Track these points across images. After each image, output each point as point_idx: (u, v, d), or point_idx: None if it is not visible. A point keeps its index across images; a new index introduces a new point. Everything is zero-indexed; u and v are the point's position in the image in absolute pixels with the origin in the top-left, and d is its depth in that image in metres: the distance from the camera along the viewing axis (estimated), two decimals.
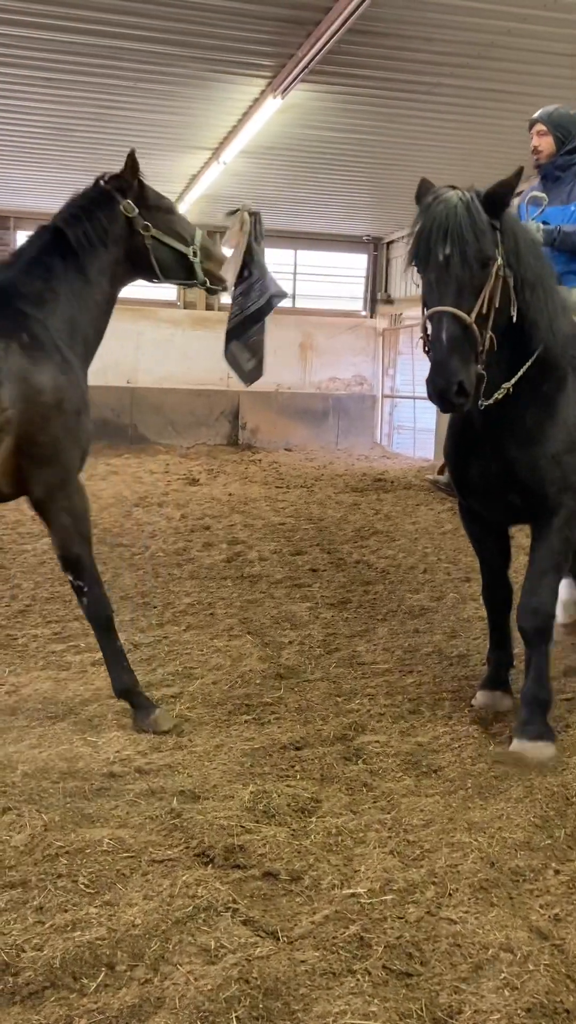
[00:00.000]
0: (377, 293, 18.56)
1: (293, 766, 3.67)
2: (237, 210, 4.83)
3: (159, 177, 13.24)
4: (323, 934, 2.58)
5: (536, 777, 3.58)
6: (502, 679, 4.41)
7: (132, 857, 2.92)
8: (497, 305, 3.52)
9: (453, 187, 3.55)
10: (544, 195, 4.58)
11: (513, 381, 3.74)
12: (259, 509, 10.21)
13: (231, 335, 5.16)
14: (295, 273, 18.11)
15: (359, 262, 18.69)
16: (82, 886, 2.76)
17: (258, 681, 4.67)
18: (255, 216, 4.76)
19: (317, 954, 2.50)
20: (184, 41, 7.99)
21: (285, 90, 8.77)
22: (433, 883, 2.85)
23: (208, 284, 4.37)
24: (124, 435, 16.13)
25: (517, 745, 3.82)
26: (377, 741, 3.92)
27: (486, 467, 3.96)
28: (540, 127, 4.66)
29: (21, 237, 16.96)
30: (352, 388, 18.15)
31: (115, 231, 4.10)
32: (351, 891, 2.78)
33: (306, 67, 8.14)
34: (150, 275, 4.26)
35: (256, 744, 3.86)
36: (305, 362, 17.76)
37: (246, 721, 4.13)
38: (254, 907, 2.69)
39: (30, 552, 7.63)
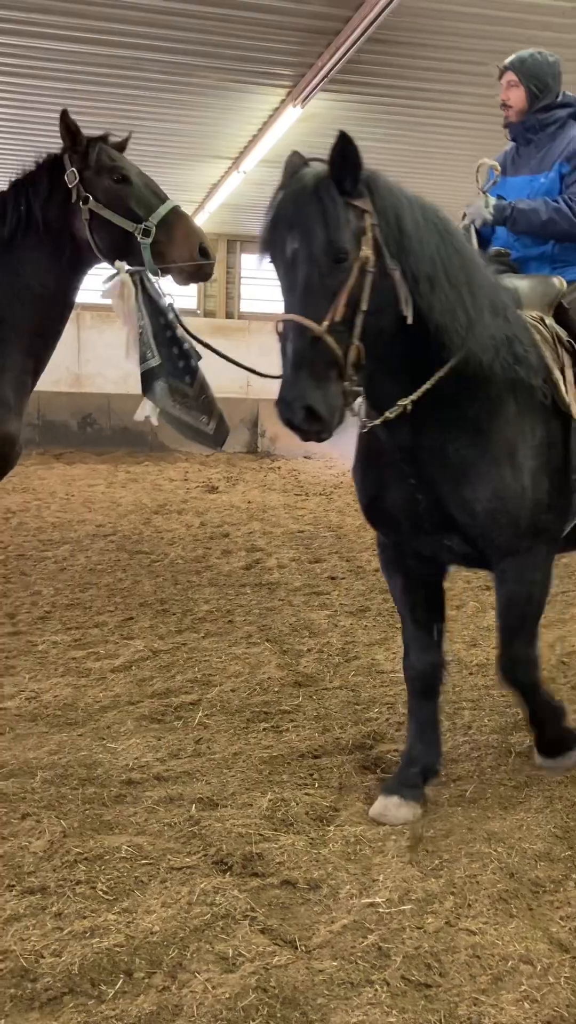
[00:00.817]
0: None
1: (311, 774, 3.66)
2: (114, 275, 3.64)
3: (179, 186, 13.38)
4: (341, 943, 2.57)
5: (556, 787, 3.56)
6: (409, 781, 3.40)
7: (150, 864, 2.92)
8: (366, 308, 2.77)
9: (321, 160, 2.88)
10: (496, 163, 3.75)
11: (414, 397, 2.99)
12: (278, 517, 10.21)
13: (180, 423, 3.83)
14: None
15: None
16: (100, 892, 2.77)
17: (276, 689, 4.67)
18: (138, 277, 3.61)
19: (335, 963, 2.49)
20: (205, 52, 8.05)
21: (305, 99, 8.81)
22: (452, 893, 2.83)
23: (160, 272, 3.64)
24: (144, 442, 16.18)
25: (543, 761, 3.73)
26: (396, 750, 3.90)
27: (409, 499, 3.23)
28: (510, 76, 3.75)
29: None
30: None
31: (52, 209, 3.60)
32: (369, 900, 2.77)
33: (326, 76, 8.18)
34: (98, 257, 3.67)
35: (274, 752, 3.85)
36: None
37: (264, 729, 4.13)
38: (272, 915, 2.68)
39: (51, 559, 7.67)
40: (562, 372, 3.23)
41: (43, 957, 2.46)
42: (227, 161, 11.68)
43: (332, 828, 3.22)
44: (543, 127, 3.76)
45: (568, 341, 3.33)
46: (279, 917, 2.68)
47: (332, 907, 2.75)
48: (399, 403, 3.00)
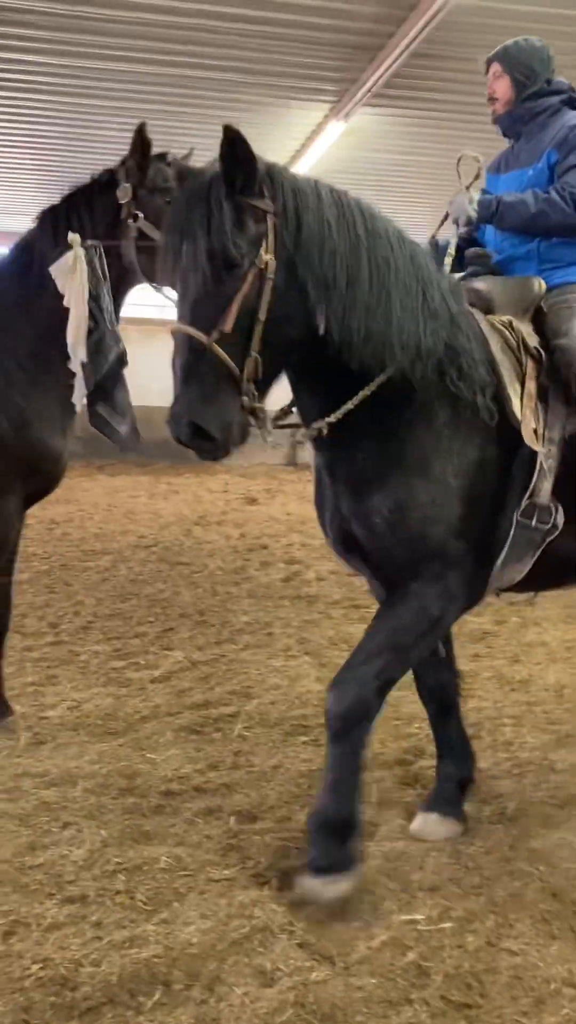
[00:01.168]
0: None
1: None
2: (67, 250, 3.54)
3: None
4: (380, 960, 2.55)
5: None
6: (447, 797, 3.32)
7: (189, 876, 2.92)
8: (265, 317, 2.54)
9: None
10: (477, 155, 3.38)
11: (331, 419, 2.73)
12: (317, 529, 10.09)
13: (94, 398, 3.83)
14: None
15: None
16: (140, 903, 2.77)
17: (315, 702, 4.65)
18: (93, 249, 3.50)
19: (374, 981, 2.47)
20: (249, 69, 8.13)
21: (348, 114, 8.85)
22: (493, 912, 2.79)
23: None
24: (185, 455, 16.18)
25: (300, 884, 2.81)
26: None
27: (335, 516, 2.99)
28: (495, 67, 3.47)
29: None
30: None
31: (101, 226, 3.58)
32: (409, 917, 2.74)
33: (369, 91, 8.21)
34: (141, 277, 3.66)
35: (313, 766, 3.83)
36: None
37: (304, 742, 4.12)
38: (310, 930, 2.66)
39: (93, 569, 7.75)
40: (522, 382, 2.88)
41: (82, 966, 2.47)
42: None
43: (371, 843, 3.19)
44: (533, 116, 3.41)
45: (535, 348, 2.98)
46: (317, 932, 2.66)
47: (371, 923, 2.72)
48: (314, 425, 2.76)
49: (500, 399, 2.82)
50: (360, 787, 2.87)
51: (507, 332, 2.96)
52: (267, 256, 2.54)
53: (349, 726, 2.78)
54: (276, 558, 8.43)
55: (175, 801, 3.48)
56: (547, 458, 2.85)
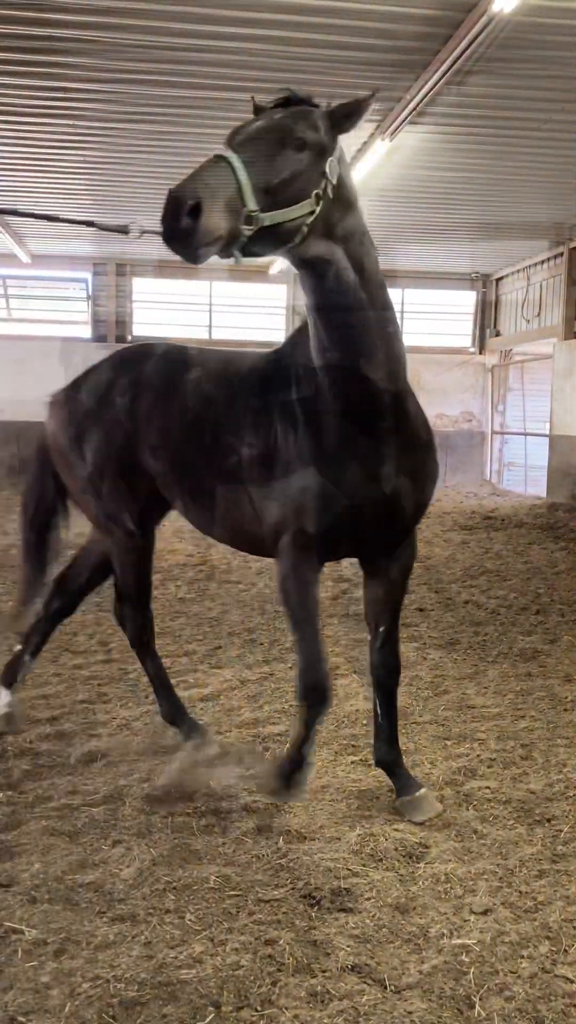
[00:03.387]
0: (486, 329, 18.40)
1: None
2: None
3: None
4: (432, 985, 2.51)
5: None
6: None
7: (239, 895, 2.92)
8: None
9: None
10: None
11: None
12: None
13: None
14: (402, 311, 18.14)
15: (467, 299, 18.60)
16: (189, 922, 2.77)
17: (364, 722, 4.62)
18: None
19: (425, 1005, 2.43)
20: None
21: (393, 132, 8.87)
22: (547, 938, 2.74)
23: None
24: None
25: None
26: (488, 787, 3.82)
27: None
28: None
29: (137, 284, 17.53)
30: (460, 425, 17.99)
31: None
32: (461, 942, 2.70)
33: (414, 109, 8.23)
34: None
35: (363, 786, 3.81)
36: None
37: (353, 762, 4.09)
38: (361, 953, 2.64)
39: None
40: None
41: (133, 986, 2.47)
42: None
43: (422, 865, 3.16)
44: None
45: None
46: (368, 955, 2.64)
47: (422, 946, 2.69)
48: None
49: None
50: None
51: None
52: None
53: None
54: (324, 576, 8.33)
55: (224, 820, 3.47)
56: None
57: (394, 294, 17.73)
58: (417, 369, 18.44)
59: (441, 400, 17.82)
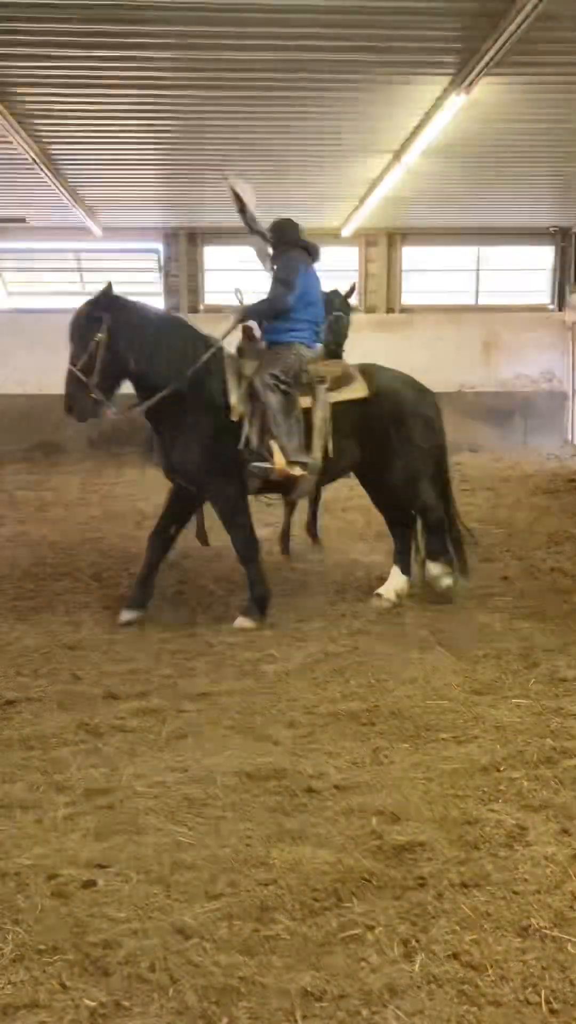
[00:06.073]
0: (566, 285, 17.81)
1: (497, 787, 3.54)
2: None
3: (340, 183, 13.33)
4: (534, 975, 2.46)
5: None
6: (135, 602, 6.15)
7: (339, 881, 2.88)
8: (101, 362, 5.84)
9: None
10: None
11: (144, 407, 5.93)
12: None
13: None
14: (478, 270, 17.69)
15: (545, 254, 18.00)
16: (288, 905, 2.76)
17: (452, 696, 4.55)
18: None
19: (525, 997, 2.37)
20: (366, 47, 7.94)
21: (469, 86, 8.54)
22: None
23: None
24: None
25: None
26: None
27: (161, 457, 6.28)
28: None
29: (208, 252, 17.44)
30: (540, 385, 17.48)
31: None
32: (569, 937, 2.63)
33: (492, 60, 7.90)
34: None
35: (455, 764, 3.75)
36: (489, 360, 17.30)
37: (443, 739, 4.03)
38: (464, 940, 2.59)
39: (224, 559, 7.82)
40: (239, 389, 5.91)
41: (241, 972, 2.47)
42: (388, 154, 11.52)
43: (520, 847, 3.09)
44: None
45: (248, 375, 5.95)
46: (470, 940, 2.59)
47: (525, 936, 2.63)
48: (137, 408, 6.03)
49: (227, 396, 5.85)
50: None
51: (238, 365, 6.00)
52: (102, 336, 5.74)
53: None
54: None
55: (316, 800, 3.46)
56: (251, 424, 5.82)
57: (468, 252, 17.39)
58: (495, 329, 18.02)
59: (520, 360, 17.36)
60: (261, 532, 6.46)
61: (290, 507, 7.86)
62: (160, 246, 17.03)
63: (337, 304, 8.54)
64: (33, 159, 11.00)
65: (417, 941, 2.59)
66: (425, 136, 10.24)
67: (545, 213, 16.06)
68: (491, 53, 7.75)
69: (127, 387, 6.01)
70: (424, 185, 13.08)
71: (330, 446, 5.99)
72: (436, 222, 16.48)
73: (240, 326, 6.16)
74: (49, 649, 5.39)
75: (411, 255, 17.50)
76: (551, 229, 17.44)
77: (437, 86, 9.02)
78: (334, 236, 16.57)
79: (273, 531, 7.97)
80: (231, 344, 6.24)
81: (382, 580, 6.60)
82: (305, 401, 5.97)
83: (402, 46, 7.95)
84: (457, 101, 8.94)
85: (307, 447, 5.90)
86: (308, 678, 4.87)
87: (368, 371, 6.36)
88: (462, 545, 6.54)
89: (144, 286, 17.34)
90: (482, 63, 8.00)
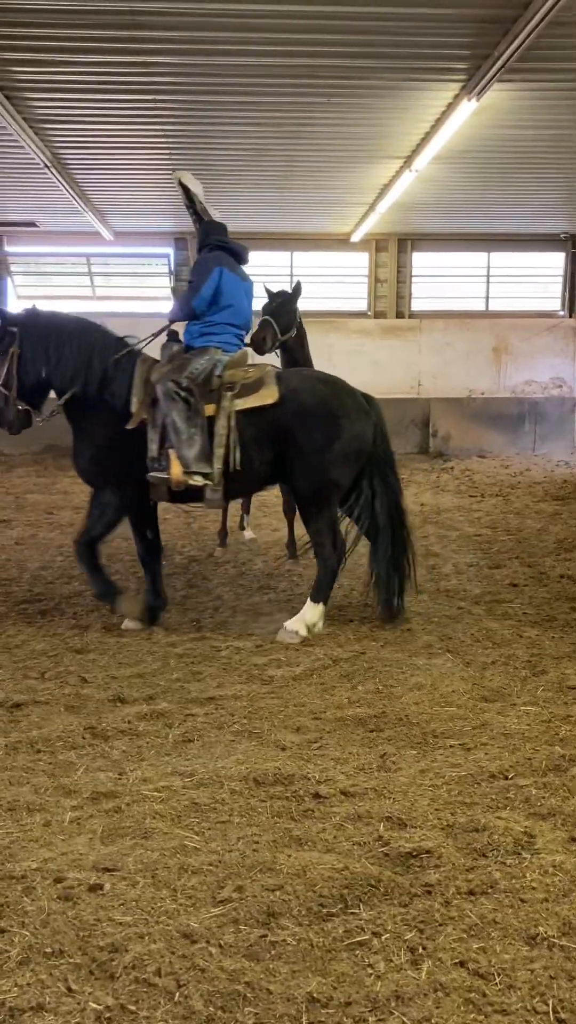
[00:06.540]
0: None
1: (504, 795, 3.52)
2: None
3: (350, 189, 13.32)
4: (542, 985, 2.44)
5: None
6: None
7: (346, 887, 2.87)
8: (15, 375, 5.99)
9: None
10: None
11: (54, 408, 6.12)
12: (453, 519, 10.00)
13: None
14: (488, 276, 17.68)
15: (555, 261, 18.00)
16: (295, 912, 2.75)
17: (460, 703, 4.54)
18: None
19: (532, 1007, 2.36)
20: (378, 53, 7.96)
21: (480, 92, 8.56)
22: None
23: None
24: None
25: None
26: None
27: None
28: None
29: None
30: (550, 391, 17.46)
31: None
32: (570, 944, 2.61)
33: (503, 66, 7.91)
34: None
35: (463, 771, 3.74)
36: (499, 366, 17.28)
37: (451, 746, 4.02)
38: (470, 948, 2.58)
39: (230, 564, 7.83)
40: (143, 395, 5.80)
41: (245, 976, 2.46)
42: (399, 160, 11.54)
43: (528, 855, 3.07)
44: None
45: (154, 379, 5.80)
46: (478, 949, 2.58)
47: (532, 944, 2.62)
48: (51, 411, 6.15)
49: (128, 402, 5.77)
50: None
51: (148, 370, 5.84)
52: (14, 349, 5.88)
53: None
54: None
55: (323, 806, 3.45)
56: (153, 432, 5.73)
57: (478, 258, 17.36)
58: (504, 335, 18.02)
59: (530, 366, 17.34)
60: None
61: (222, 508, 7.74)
62: (171, 250, 17.07)
63: (277, 304, 8.10)
64: (45, 164, 11.05)
65: (424, 948, 2.58)
66: (435, 142, 10.26)
67: (556, 219, 16.06)
68: (502, 60, 7.77)
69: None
70: (434, 191, 13.11)
71: (237, 456, 5.67)
72: (446, 228, 16.51)
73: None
74: (57, 652, 5.40)
75: (421, 261, 17.51)
76: (562, 235, 17.45)
77: (448, 92, 9.04)
78: (344, 241, 16.58)
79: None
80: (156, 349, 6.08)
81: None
82: (210, 409, 5.69)
83: (413, 52, 7.96)
84: (468, 107, 8.95)
85: (210, 457, 5.66)
86: (315, 683, 4.87)
87: (285, 375, 6.04)
88: (414, 563, 6.11)
89: (154, 290, 17.37)
90: (493, 69, 8.02)
